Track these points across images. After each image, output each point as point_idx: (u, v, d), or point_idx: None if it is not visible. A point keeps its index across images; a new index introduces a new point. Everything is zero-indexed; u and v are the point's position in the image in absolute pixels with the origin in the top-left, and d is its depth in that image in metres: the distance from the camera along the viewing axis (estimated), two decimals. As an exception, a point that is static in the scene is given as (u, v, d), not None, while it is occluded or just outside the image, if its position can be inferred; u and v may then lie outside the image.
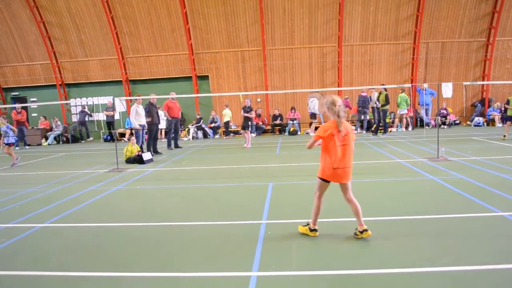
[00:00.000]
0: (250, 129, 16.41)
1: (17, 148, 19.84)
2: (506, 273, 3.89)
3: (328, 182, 5.04)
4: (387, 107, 18.14)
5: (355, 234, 4.96)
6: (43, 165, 13.24)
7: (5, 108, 23.19)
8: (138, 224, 6.07)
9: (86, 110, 22.75)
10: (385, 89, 18.01)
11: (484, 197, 6.55)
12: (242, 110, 16.23)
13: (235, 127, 21.84)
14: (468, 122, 21.69)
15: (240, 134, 20.81)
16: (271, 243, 4.94)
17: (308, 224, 5.17)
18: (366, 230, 4.89)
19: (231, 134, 21.51)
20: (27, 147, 20.44)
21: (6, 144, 13.63)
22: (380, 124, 18.42)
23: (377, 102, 18.28)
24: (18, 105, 20.07)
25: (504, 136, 14.38)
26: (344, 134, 4.85)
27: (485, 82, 20.36)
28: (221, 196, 7.77)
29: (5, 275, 4.36)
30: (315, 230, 5.10)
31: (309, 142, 5.21)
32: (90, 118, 23.09)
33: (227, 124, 20.94)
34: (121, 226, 6.00)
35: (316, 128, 19.79)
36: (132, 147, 12.60)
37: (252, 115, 16.26)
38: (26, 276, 4.30)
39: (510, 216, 5.53)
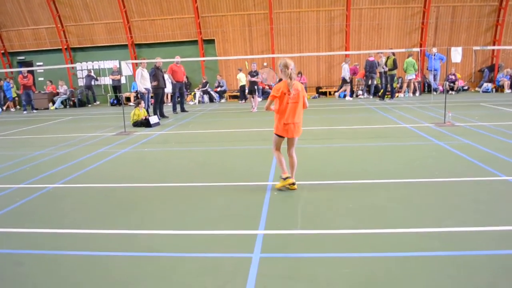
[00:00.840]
0: (257, 93, 16.36)
1: (24, 112, 19.99)
2: (506, 233, 3.98)
3: (282, 137, 5.51)
4: (395, 71, 17.92)
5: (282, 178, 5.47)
6: (51, 129, 13.37)
7: (11, 72, 23.17)
8: (146, 184, 6.19)
9: (92, 74, 22.71)
10: (393, 54, 17.75)
11: (489, 161, 6.59)
12: (249, 75, 16.15)
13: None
14: (477, 88, 21.45)
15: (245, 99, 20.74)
16: (277, 203, 5.05)
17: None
18: (293, 184, 5.44)
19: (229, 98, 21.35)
20: (34, 111, 20.54)
21: None
22: (388, 89, 18.27)
23: (385, 67, 18.06)
24: (24, 69, 20.05)
25: None
26: (294, 93, 5.35)
27: (495, 47, 20.00)
28: (228, 159, 7.87)
29: (19, 232, 4.51)
30: (287, 177, 5.44)
31: (266, 104, 5.62)
32: (96, 82, 23.08)
33: (243, 87, 19.98)
34: (129, 187, 6.13)
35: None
36: (139, 111, 12.65)
37: (259, 79, 16.18)
38: (40, 233, 4.45)
39: (514, 179, 5.59)
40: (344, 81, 19.73)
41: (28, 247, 4.11)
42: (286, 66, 5.32)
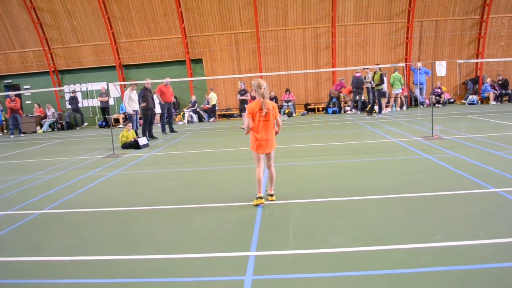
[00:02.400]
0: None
1: (12, 136, 19.79)
2: (498, 246, 3.98)
3: (258, 153, 5.76)
4: (382, 86, 18.11)
5: (267, 195, 5.89)
6: (39, 153, 13.23)
7: (-2, 96, 23.02)
8: (136, 208, 6.12)
9: (75, 94, 22.30)
10: (380, 69, 17.96)
11: (478, 174, 6.63)
12: (238, 94, 16.25)
13: (228, 110, 21.83)
14: (463, 101, 21.74)
15: (234, 117, 20.85)
16: (268, 223, 5.01)
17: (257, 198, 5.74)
18: (271, 195, 5.88)
19: (217, 117, 21.75)
20: (22, 135, 20.36)
21: None
22: (375, 104, 18.43)
23: (372, 82, 18.23)
24: (11, 93, 19.92)
25: None
26: (266, 111, 5.64)
27: (479, 60, 20.35)
28: (218, 179, 7.82)
29: (5, 261, 4.41)
30: (259, 198, 5.69)
31: (245, 125, 5.88)
32: (82, 105, 22.79)
33: (214, 107, 21.10)
34: (119, 211, 6.05)
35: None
36: (127, 133, 12.58)
37: (247, 97, 16.27)
38: (26, 261, 4.36)
39: (503, 192, 5.62)
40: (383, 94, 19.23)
41: (13, 276, 4.01)
42: (259, 86, 5.62)
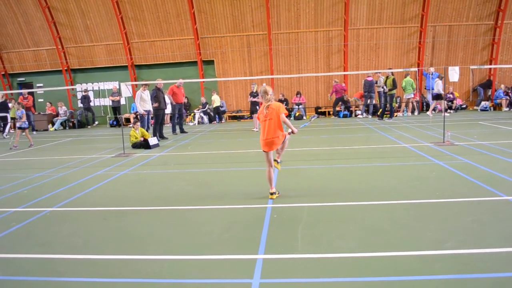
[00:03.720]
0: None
1: (34, 132, 20.06)
2: (509, 255, 3.92)
3: (264, 151, 6.16)
4: (395, 91, 17.98)
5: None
6: (50, 151, 13.35)
7: (11, 93, 23.27)
8: (144, 208, 6.13)
9: (88, 93, 22.46)
10: (392, 73, 17.83)
11: (489, 181, 6.55)
12: (250, 96, 16.27)
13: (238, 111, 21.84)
14: (475, 107, 21.53)
15: (244, 119, 20.89)
16: (277, 226, 4.99)
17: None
18: (277, 162, 6.47)
19: (223, 119, 21.86)
20: (34, 132, 20.55)
21: (19, 128, 14.14)
22: (387, 109, 18.30)
23: (384, 87, 18.10)
24: (24, 91, 20.14)
25: None
26: (268, 112, 6.05)
27: (492, 66, 20.14)
28: (227, 180, 7.83)
29: (15, 257, 4.44)
30: (271, 193, 6.13)
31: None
32: (93, 104, 22.97)
33: (217, 109, 21.18)
34: (128, 210, 6.07)
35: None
36: (135, 132, 12.56)
37: (259, 99, 16.25)
38: (36, 259, 4.39)
39: (515, 200, 5.55)
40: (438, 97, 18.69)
41: (23, 273, 4.04)
42: (266, 93, 6.11)
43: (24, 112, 14.88)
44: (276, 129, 6.04)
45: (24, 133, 14.14)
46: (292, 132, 6.27)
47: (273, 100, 6.17)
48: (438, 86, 18.35)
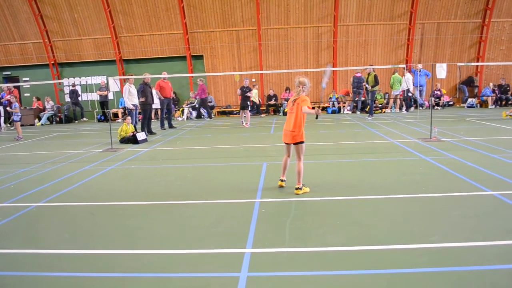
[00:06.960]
0: (249, 108, 16.41)
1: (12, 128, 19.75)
2: (493, 249, 3.99)
3: (284, 142, 6.32)
4: (377, 87, 17.98)
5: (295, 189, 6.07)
6: (37, 145, 13.21)
7: (-3, 87, 22.95)
8: (133, 203, 6.11)
9: (75, 88, 22.25)
10: (374, 70, 17.76)
11: (475, 177, 6.64)
12: (240, 90, 16.17)
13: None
14: (462, 104, 21.76)
15: (233, 115, 20.81)
16: (265, 220, 5.01)
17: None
18: (297, 189, 6.02)
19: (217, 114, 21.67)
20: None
21: (16, 121, 14.86)
22: (375, 105, 18.36)
23: (366, 84, 18.05)
24: (10, 85, 19.84)
25: None
26: (292, 105, 6.16)
27: (479, 63, 20.36)
28: (216, 175, 7.82)
29: (1, 253, 4.40)
30: (281, 180, 6.43)
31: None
32: (81, 99, 22.75)
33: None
34: (116, 205, 6.04)
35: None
36: (127, 127, 12.56)
37: (251, 94, 16.25)
38: (22, 254, 4.35)
39: (499, 195, 5.63)
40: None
41: (9, 268, 4.01)
42: (302, 84, 6.23)
43: (17, 105, 15.17)
44: (296, 125, 6.09)
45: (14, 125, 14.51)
46: (316, 116, 6.20)
47: (303, 94, 6.18)
48: (409, 81, 18.66)
